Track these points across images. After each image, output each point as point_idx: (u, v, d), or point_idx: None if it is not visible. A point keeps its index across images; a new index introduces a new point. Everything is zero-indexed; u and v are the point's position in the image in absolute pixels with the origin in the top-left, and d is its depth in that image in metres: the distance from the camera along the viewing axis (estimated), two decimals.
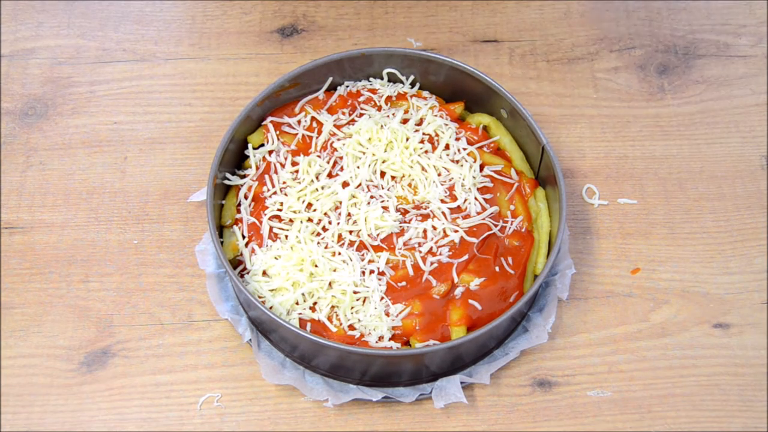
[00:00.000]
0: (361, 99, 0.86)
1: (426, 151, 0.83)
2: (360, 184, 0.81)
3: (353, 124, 0.84)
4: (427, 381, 0.78)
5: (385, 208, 0.79)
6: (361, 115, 0.85)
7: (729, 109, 0.94)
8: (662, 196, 0.88)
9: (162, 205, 0.86)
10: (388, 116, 0.84)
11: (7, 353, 0.79)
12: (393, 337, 0.75)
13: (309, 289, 0.75)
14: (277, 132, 0.84)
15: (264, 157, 0.83)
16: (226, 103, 0.92)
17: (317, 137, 0.84)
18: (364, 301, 0.76)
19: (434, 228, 0.79)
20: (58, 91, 0.92)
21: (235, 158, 0.84)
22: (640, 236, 0.86)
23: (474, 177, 0.82)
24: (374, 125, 0.82)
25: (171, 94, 0.93)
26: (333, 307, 0.76)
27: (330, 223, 0.79)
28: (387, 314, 0.75)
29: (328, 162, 0.82)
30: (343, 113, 0.85)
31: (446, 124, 0.84)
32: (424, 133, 0.84)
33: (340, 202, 0.79)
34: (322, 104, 0.86)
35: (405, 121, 0.84)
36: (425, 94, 0.88)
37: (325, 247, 0.78)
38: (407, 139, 0.82)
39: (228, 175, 0.82)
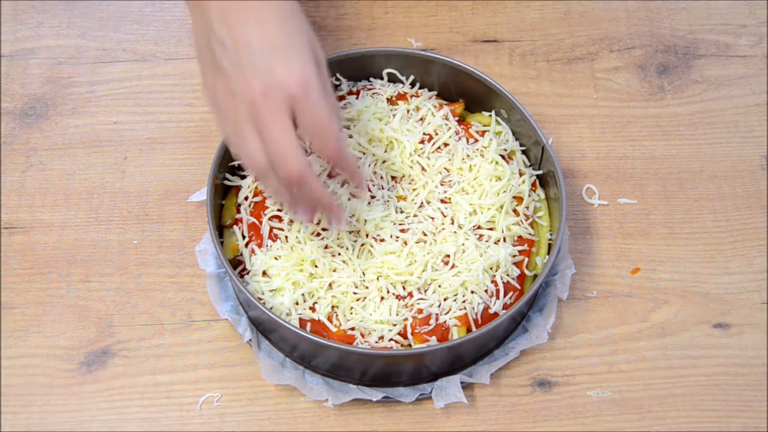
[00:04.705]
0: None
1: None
2: None
3: (353, 123, 0.84)
4: (427, 381, 0.77)
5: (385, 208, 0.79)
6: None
7: (729, 109, 0.93)
8: (662, 196, 0.88)
9: (162, 205, 0.86)
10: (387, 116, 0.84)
11: (7, 353, 0.79)
12: (392, 338, 0.75)
13: (309, 289, 0.75)
14: None
15: None
16: None
17: None
18: (363, 301, 0.76)
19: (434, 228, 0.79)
20: (58, 91, 0.92)
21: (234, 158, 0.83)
22: (640, 236, 0.86)
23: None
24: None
25: (171, 94, 0.93)
26: (333, 307, 0.76)
27: (330, 223, 0.79)
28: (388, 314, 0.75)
29: (328, 162, 0.82)
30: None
31: (446, 124, 0.84)
32: (424, 133, 0.84)
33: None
34: None
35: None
36: (425, 94, 0.88)
37: (325, 248, 0.78)
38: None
39: (228, 175, 0.82)
